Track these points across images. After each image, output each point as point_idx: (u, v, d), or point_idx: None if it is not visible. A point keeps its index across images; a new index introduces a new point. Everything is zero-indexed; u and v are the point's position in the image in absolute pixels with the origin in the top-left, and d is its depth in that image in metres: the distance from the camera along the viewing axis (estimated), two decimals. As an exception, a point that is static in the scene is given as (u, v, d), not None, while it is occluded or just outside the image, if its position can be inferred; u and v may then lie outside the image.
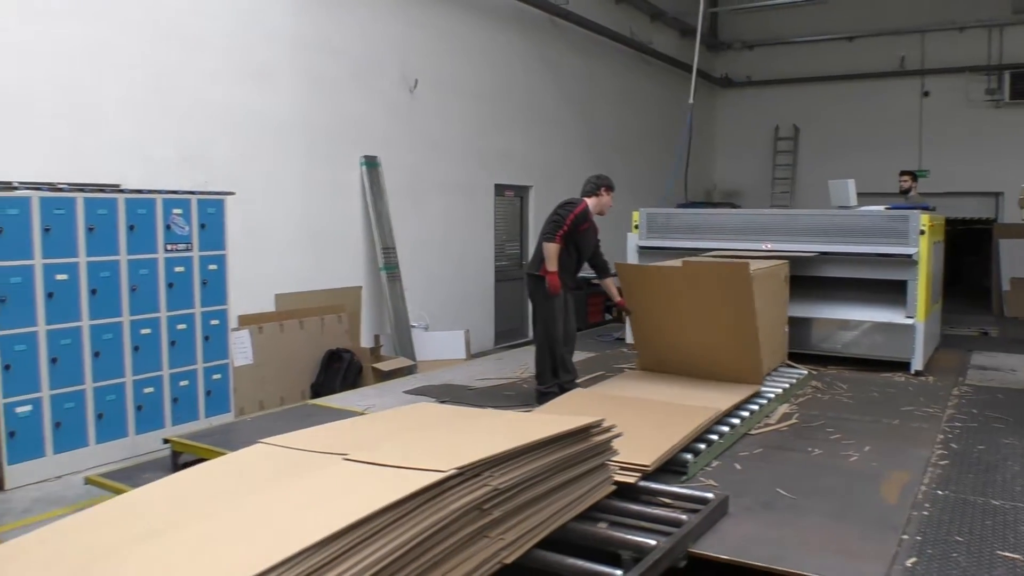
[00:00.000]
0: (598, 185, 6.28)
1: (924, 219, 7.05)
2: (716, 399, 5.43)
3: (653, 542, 3.33)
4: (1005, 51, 14.25)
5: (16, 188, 5.62)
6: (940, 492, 4.26)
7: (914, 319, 7.16)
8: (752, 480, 4.40)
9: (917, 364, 7.21)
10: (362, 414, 5.94)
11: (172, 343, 6.51)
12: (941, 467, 4.69)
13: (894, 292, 7.35)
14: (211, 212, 6.73)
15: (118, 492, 5.03)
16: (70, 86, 6.31)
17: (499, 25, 10.94)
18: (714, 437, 4.87)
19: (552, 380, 6.07)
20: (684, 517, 3.63)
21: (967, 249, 14.97)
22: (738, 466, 4.66)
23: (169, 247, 6.44)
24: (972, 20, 14.18)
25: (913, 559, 3.43)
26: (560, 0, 11.46)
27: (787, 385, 6.29)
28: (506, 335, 11.67)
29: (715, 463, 4.70)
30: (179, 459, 5.30)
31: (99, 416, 6.02)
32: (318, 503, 2.49)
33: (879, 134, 15.33)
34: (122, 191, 6.18)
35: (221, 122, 7.40)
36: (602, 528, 3.62)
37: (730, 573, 3.49)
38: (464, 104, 10.42)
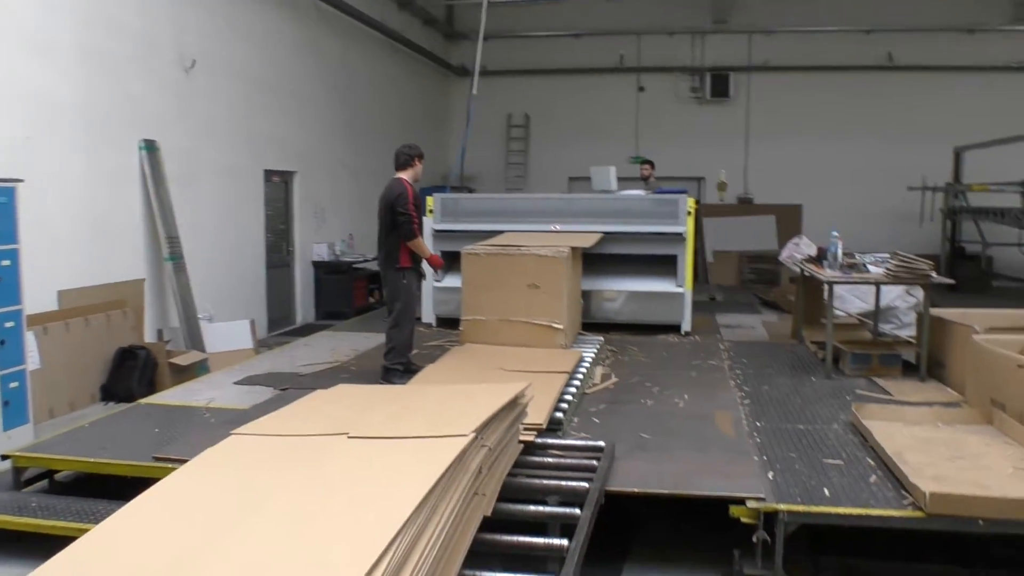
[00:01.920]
0: (411, 156, 6.49)
1: (691, 202, 8.27)
2: (555, 364, 6.06)
3: (586, 485, 3.85)
4: (707, 55, 16.58)
5: None
6: (759, 423, 5.27)
7: (683, 288, 8.36)
8: (614, 429, 5.07)
9: (686, 326, 8.44)
10: (206, 408, 5.79)
11: (-38, 350, 5.78)
12: (747, 405, 5.74)
13: (661, 265, 8.50)
14: (1, 201, 6.03)
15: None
16: None
17: (269, 7, 10.67)
18: (568, 397, 5.49)
19: (403, 357, 6.31)
20: (595, 463, 4.19)
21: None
22: (596, 420, 5.34)
23: (-44, 241, 5.70)
24: (680, 27, 16.30)
25: (772, 472, 4.30)
26: (324, -17, 11.44)
27: (595, 350, 7.12)
28: (278, 322, 11.50)
29: (575, 419, 5.33)
30: (23, 475, 4.84)
31: None
32: (375, 477, 2.67)
33: (602, 124, 17.03)
34: None
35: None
36: (524, 480, 4.07)
37: (637, 504, 4.13)
38: (236, 86, 10.06)
